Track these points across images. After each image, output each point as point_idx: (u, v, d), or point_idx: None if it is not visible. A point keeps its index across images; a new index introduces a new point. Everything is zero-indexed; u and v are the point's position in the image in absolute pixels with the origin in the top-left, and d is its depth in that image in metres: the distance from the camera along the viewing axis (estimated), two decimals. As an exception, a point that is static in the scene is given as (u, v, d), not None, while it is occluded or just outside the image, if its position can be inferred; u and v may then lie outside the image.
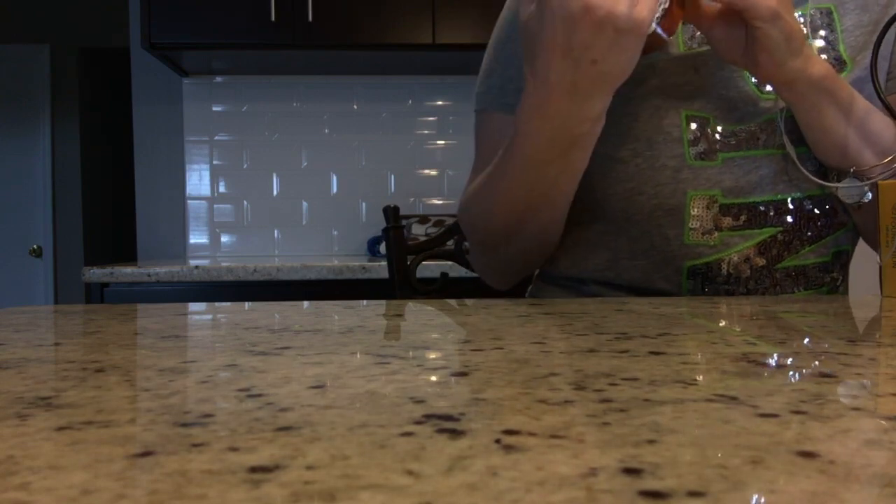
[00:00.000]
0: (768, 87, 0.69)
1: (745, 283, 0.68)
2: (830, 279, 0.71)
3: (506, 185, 0.66)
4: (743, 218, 0.67)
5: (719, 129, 0.68)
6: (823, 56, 0.70)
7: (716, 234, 0.67)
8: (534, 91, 0.58)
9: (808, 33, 0.71)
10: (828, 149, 0.66)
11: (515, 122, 0.62)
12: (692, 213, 0.67)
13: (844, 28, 0.71)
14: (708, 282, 0.68)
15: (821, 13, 0.71)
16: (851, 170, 0.65)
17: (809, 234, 0.69)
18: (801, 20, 0.71)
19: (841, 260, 0.72)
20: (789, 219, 0.68)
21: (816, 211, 0.69)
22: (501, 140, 0.74)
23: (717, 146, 0.67)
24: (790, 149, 0.68)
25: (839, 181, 0.67)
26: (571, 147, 0.61)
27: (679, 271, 0.68)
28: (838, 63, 0.70)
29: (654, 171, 0.68)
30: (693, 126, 0.68)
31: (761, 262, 0.68)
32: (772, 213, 0.68)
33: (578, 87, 0.56)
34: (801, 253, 0.69)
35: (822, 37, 0.71)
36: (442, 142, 2.41)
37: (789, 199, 0.68)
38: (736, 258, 0.67)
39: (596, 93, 0.57)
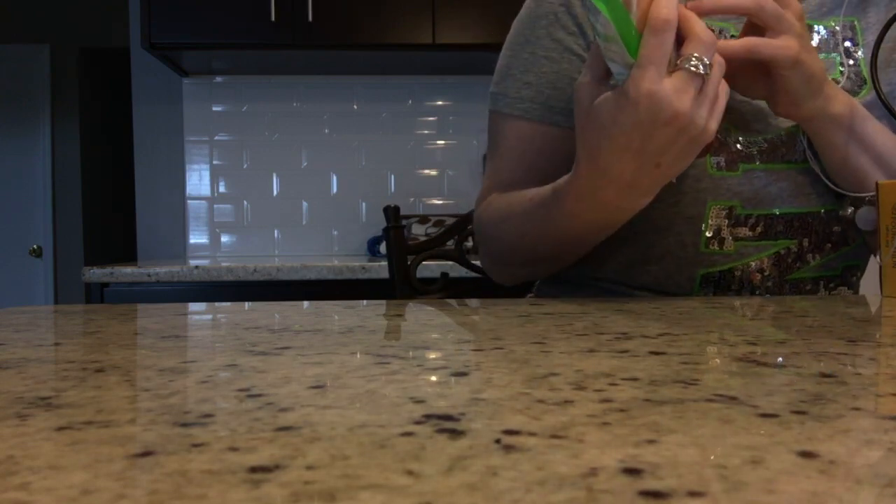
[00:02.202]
0: None
1: (756, 291, 0.68)
2: (847, 287, 0.71)
3: (537, 231, 0.66)
4: (759, 229, 0.67)
5: (740, 138, 0.68)
6: (844, 70, 0.70)
7: (732, 243, 0.67)
8: (587, 178, 0.58)
9: (835, 44, 0.71)
10: (846, 178, 0.66)
11: (560, 195, 0.62)
12: (710, 222, 0.67)
13: (866, 42, 0.71)
14: (720, 290, 0.68)
15: (844, 27, 0.71)
16: (867, 197, 0.65)
17: (823, 247, 0.69)
18: (825, 33, 0.71)
19: (851, 274, 0.72)
20: (804, 232, 0.68)
21: (831, 226, 0.69)
22: (520, 147, 0.73)
23: (738, 157, 0.67)
24: (812, 162, 0.68)
25: (854, 205, 0.67)
26: (611, 226, 0.62)
27: (692, 279, 0.69)
28: (858, 79, 0.70)
29: (676, 179, 0.67)
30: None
31: (774, 272, 0.68)
32: (788, 226, 0.68)
33: (635, 185, 0.56)
34: (812, 266, 0.69)
35: (846, 50, 0.71)
36: (442, 142, 2.40)
37: (806, 213, 0.68)
38: (750, 267, 0.68)
39: (649, 191, 0.57)
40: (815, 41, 0.71)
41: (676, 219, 0.68)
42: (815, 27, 0.71)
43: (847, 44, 0.71)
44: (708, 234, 0.67)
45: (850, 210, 0.68)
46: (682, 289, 0.69)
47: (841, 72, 0.70)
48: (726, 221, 0.67)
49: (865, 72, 0.70)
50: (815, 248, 0.69)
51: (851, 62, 0.70)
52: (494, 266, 0.77)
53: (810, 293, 0.70)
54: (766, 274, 0.68)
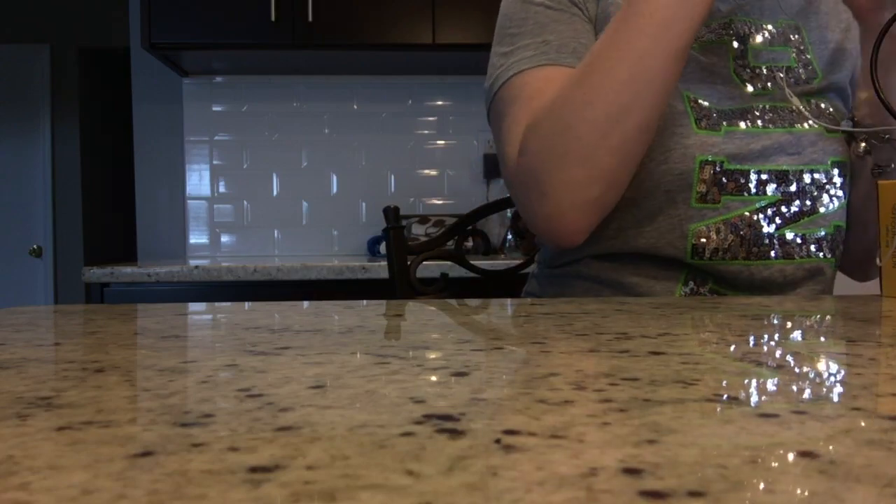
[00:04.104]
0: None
1: (748, 246, 0.70)
2: (828, 249, 0.74)
3: (618, 57, 0.63)
4: (744, 183, 0.70)
5: (716, 108, 0.71)
6: (798, 62, 0.76)
7: (719, 196, 0.70)
8: None
9: (786, 39, 0.77)
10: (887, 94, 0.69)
11: None
12: (700, 177, 0.69)
13: (811, 41, 0.77)
14: (711, 244, 0.70)
15: (789, 27, 0.77)
16: (886, 136, 0.69)
17: (808, 205, 0.72)
18: (775, 31, 0.77)
19: (840, 235, 0.75)
20: (790, 188, 0.71)
21: (814, 186, 0.72)
22: (552, 82, 0.68)
23: (720, 120, 0.71)
24: (795, 100, 0.72)
25: (863, 151, 0.71)
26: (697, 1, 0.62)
27: (684, 235, 0.70)
28: (807, 70, 0.76)
29: (663, 138, 0.69)
30: (694, 102, 0.71)
31: (762, 227, 0.70)
32: (773, 182, 0.70)
33: None
34: (802, 222, 0.72)
35: (794, 43, 0.77)
36: (442, 142, 2.40)
37: (790, 171, 0.71)
38: (738, 222, 0.70)
39: None
40: (766, 36, 0.76)
41: (666, 177, 0.70)
42: (766, 26, 0.76)
43: (795, 36, 0.77)
44: (698, 189, 0.69)
45: (861, 147, 0.72)
46: (675, 248, 0.70)
47: (794, 60, 0.76)
48: (714, 177, 0.69)
49: (816, 65, 0.76)
50: (801, 205, 0.71)
51: (797, 52, 0.76)
52: (562, 170, 0.65)
53: (804, 250, 0.72)
54: (755, 228, 0.70)
